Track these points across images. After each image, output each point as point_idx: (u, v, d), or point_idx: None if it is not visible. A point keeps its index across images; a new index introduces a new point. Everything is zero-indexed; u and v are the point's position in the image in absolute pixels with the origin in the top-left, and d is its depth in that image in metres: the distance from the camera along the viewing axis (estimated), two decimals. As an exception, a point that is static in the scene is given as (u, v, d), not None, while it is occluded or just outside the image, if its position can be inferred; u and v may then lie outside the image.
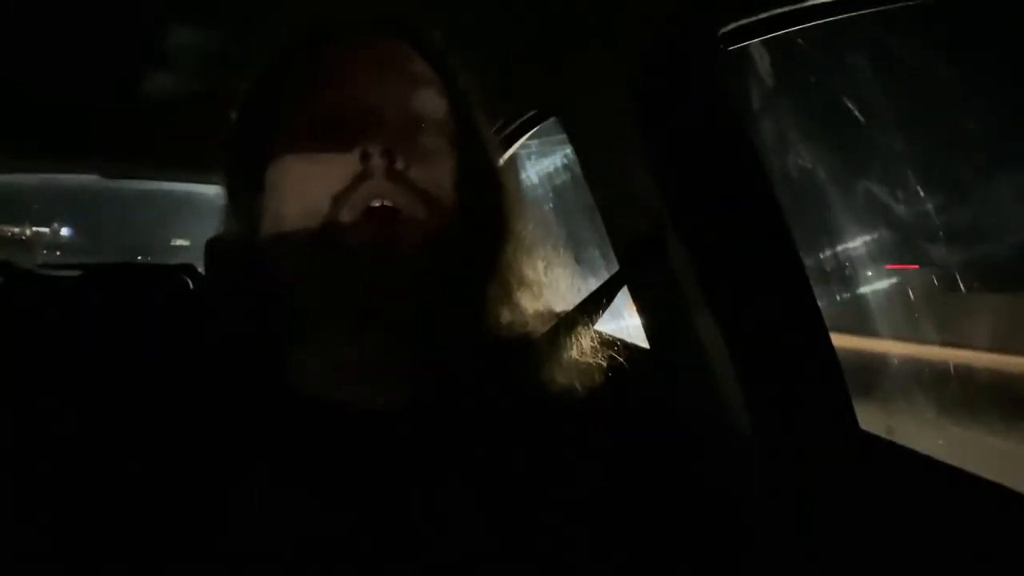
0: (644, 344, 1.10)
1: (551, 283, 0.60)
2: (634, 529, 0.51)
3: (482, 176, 0.55)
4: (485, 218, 0.55)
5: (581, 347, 0.61)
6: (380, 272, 0.47)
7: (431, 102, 0.53)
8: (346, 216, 0.47)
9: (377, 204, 0.47)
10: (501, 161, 0.61)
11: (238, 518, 0.44)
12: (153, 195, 2.78)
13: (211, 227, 0.58)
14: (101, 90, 1.36)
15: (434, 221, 0.49)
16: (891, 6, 0.66)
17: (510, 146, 1.35)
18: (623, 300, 1.06)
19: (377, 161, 0.47)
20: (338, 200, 0.47)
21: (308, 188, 0.48)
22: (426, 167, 0.50)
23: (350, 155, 0.48)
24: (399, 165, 0.48)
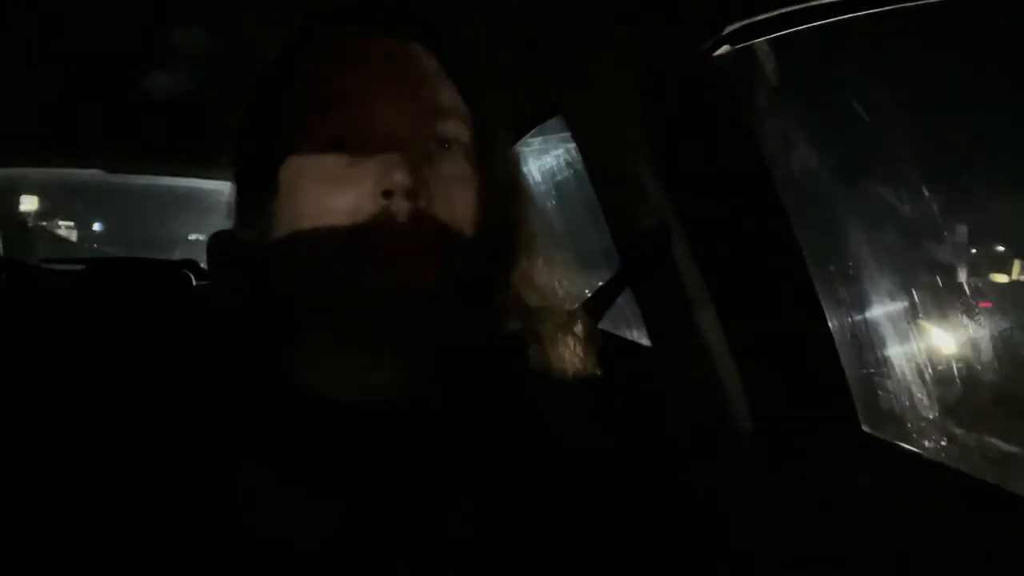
0: (647, 343, 1.10)
1: (555, 282, 0.59)
2: (634, 530, 0.51)
3: (502, 189, 0.54)
4: (504, 232, 0.54)
5: (584, 346, 0.59)
6: (395, 302, 0.47)
7: (454, 117, 0.51)
8: (365, 249, 0.46)
9: (398, 243, 0.46)
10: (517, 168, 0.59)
11: (241, 516, 0.44)
12: (172, 191, 2.82)
13: (221, 223, 0.57)
14: (112, 87, 1.37)
15: (454, 248, 0.49)
16: (896, 6, 0.65)
17: (514, 143, 1.35)
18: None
19: (401, 203, 0.46)
20: (357, 232, 0.46)
21: (325, 209, 0.47)
22: (449, 196, 0.48)
23: (372, 188, 0.46)
24: (423, 203, 0.47)
